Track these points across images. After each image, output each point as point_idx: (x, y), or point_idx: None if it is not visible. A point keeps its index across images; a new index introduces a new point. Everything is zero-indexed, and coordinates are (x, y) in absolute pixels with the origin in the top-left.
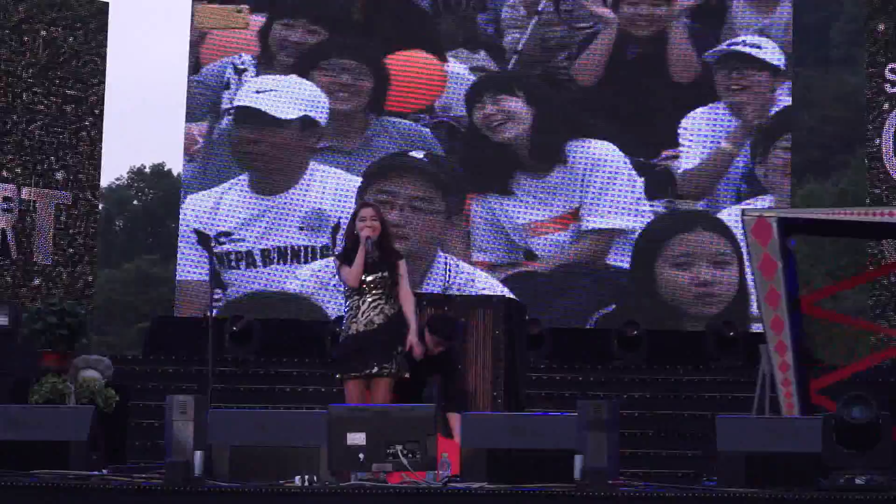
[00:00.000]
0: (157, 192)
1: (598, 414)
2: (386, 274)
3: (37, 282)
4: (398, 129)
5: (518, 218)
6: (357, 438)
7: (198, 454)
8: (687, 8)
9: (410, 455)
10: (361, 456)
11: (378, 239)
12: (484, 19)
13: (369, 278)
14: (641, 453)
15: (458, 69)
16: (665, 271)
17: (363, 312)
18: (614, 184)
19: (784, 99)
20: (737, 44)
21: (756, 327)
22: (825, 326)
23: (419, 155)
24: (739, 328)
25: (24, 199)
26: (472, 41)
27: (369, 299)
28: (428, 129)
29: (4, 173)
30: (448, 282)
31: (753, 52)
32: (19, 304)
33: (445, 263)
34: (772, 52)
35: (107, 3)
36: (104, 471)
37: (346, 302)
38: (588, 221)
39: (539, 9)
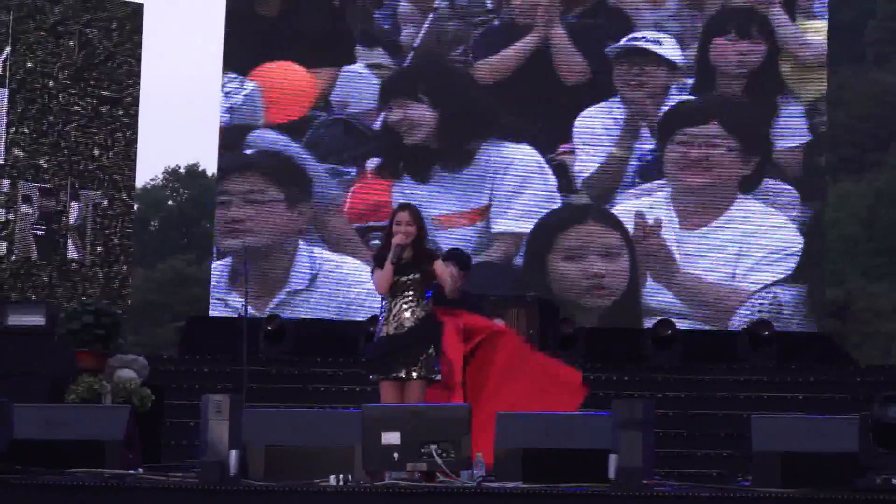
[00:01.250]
0: (191, 192)
1: (632, 413)
2: (418, 276)
3: (72, 282)
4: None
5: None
6: (391, 438)
7: (233, 453)
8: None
9: (445, 454)
10: (396, 455)
11: (411, 243)
12: (380, 15)
13: (403, 279)
14: (676, 453)
15: (358, 68)
16: (557, 265)
17: (394, 314)
18: (528, 184)
19: (677, 96)
20: (637, 39)
21: (649, 322)
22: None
23: None
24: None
25: (61, 200)
26: (369, 37)
27: (401, 301)
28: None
29: (42, 174)
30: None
31: (653, 47)
32: (56, 303)
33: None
34: (672, 49)
35: (141, 5)
36: (139, 470)
37: (381, 303)
38: (498, 224)
39: (435, 4)
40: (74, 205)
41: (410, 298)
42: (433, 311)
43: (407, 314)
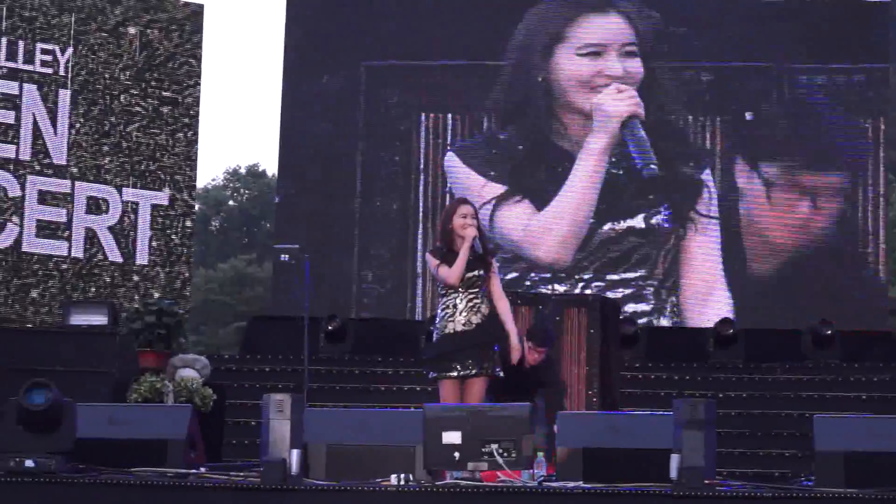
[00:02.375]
0: (251, 192)
1: (694, 413)
2: (482, 272)
3: (134, 281)
4: None
5: None
6: (452, 437)
7: (294, 453)
8: None
9: (506, 454)
10: (457, 455)
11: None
12: None
13: (467, 275)
14: (738, 453)
15: None
16: None
17: (461, 312)
18: None
19: None
20: None
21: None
22: None
23: None
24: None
25: (123, 201)
26: None
27: (466, 299)
28: None
29: (104, 175)
30: None
31: None
32: (118, 304)
33: None
34: None
35: (202, 5)
36: (201, 469)
37: (441, 300)
38: None
39: None
40: (135, 205)
41: (475, 295)
42: (493, 308)
43: (475, 311)
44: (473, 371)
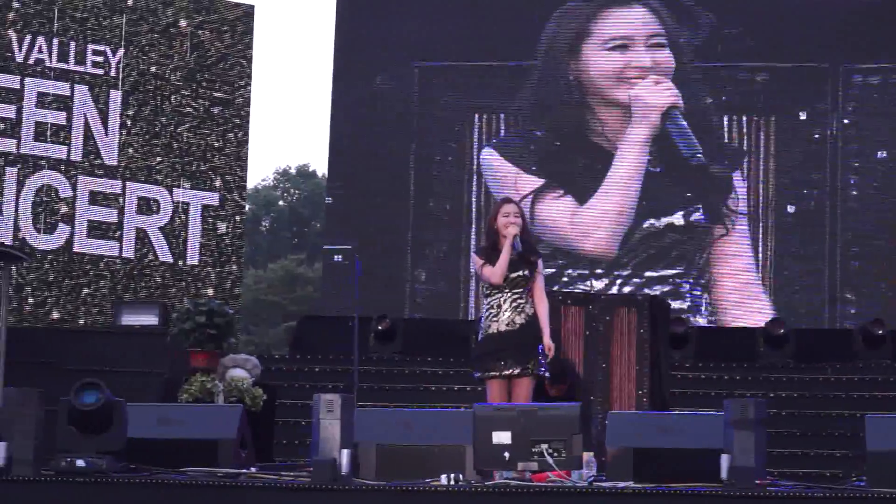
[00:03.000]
0: (301, 192)
1: (744, 413)
2: (527, 272)
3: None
4: None
5: None
6: (502, 437)
7: (344, 452)
8: None
9: (556, 454)
10: (507, 455)
11: (521, 235)
12: None
13: (511, 275)
14: (788, 453)
15: None
16: None
17: (505, 311)
18: None
19: None
20: None
21: None
22: None
23: None
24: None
25: (174, 201)
26: None
27: (511, 299)
28: None
29: (155, 175)
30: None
31: None
32: (168, 304)
33: None
34: None
35: (252, 6)
36: (252, 469)
37: (485, 300)
38: None
39: None
40: (186, 205)
41: (520, 295)
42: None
43: (518, 311)
44: (517, 371)
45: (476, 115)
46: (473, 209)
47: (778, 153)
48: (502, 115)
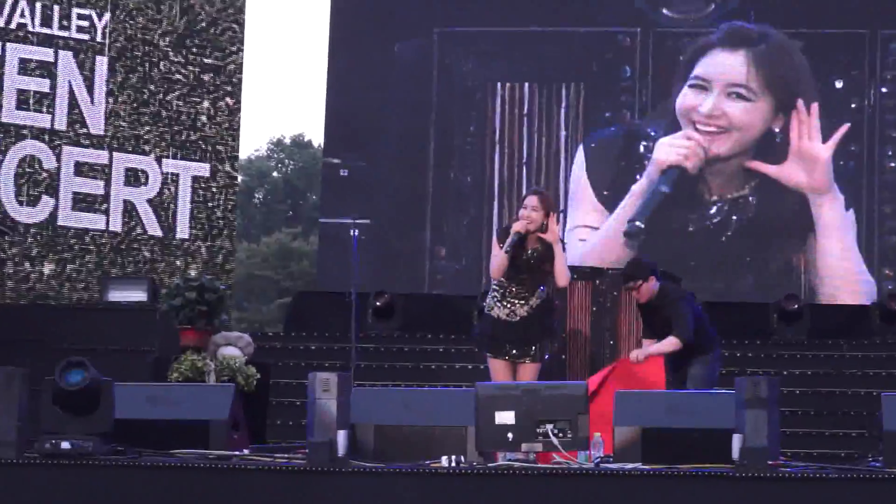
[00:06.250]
0: (296, 163)
1: (757, 392)
2: (532, 278)
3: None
4: None
5: None
6: (506, 417)
7: (341, 434)
8: None
9: (561, 434)
10: (510, 435)
11: (536, 230)
12: None
13: (520, 275)
14: (802, 433)
15: None
16: None
17: (508, 300)
18: None
19: None
20: None
21: None
22: None
23: None
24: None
25: (163, 172)
26: None
27: (515, 287)
28: None
29: (143, 145)
30: None
31: None
32: (157, 279)
33: None
34: None
35: None
36: (245, 451)
37: (493, 280)
38: None
39: None
40: (176, 177)
41: (524, 290)
42: (547, 298)
43: (522, 304)
44: (519, 359)
45: (499, 85)
46: (497, 183)
47: None
48: (526, 85)
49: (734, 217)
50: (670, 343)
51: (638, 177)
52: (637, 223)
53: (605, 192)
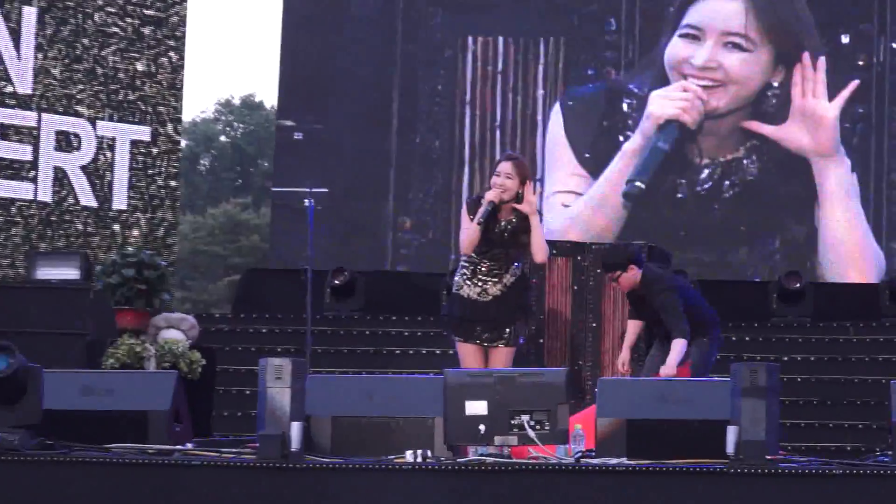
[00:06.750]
0: (246, 126)
1: (754, 379)
2: (509, 252)
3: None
4: None
5: None
6: (477, 408)
7: (295, 426)
8: None
9: (538, 427)
10: (482, 428)
11: (511, 200)
12: None
13: (494, 250)
14: (804, 424)
15: None
16: None
17: (479, 277)
18: None
19: None
20: None
21: None
22: None
23: None
24: None
25: (98, 136)
26: None
27: (487, 263)
28: None
29: (75, 106)
30: None
31: None
32: (92, 255)
33: None
34: None
35: None
36: (188, 445)
37: (462, 256)
38: None
39: None
40: (112, 141)
41: (498, 266)
42: (523, 275)
43: (495, 281)
44: (486, 343)
45: (470, 40)
46: (467, 147)
47: None
48: (500, 40)
49: (727, 182)
50: (678, 344)
51: (621, 137)
52: (637, 183)
53: (586, 155)
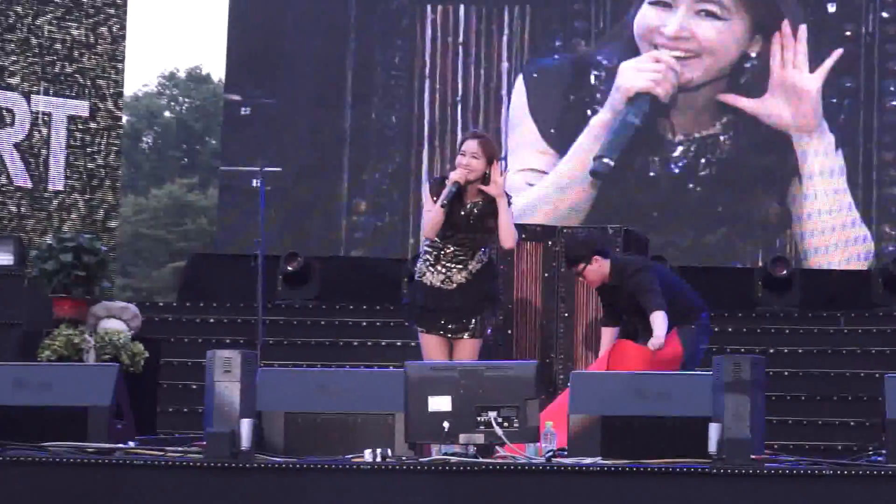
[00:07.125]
0: (193, 101)
1: (738, 373)
2: (477, 238)
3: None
4: None
5: None
6: (441, 403)
7: (245, 423)
8: None
9: (506, 424)
10: (446, 425)
11: (477, 181)
12: None
13: (458, 235)
14: (792, 421)
15: None
16: None
17: (442, 264)
18: None
19: None
20: None
21: None
22: None
23: None
24: None
25: (33, 111)
26: None
27: (452, 248)
28: None
29: (8, 79)
30: None
31: None
32: (26, 239)
33: None
34: None
35: None
36: (131, 443)
37: (424, 241)
38: None
39: None
40: (48, 117)
41: (463, 252)
42: (490, 262)
43: (460, 268)
44: (451, 334)
45: (429, 8)
46: (427, 123)
47: None
48: (462, 8)
49: (703, 160)
50: (657, 317)
51: (589, 112)
52: (605, 160)
53: (551, 131)
